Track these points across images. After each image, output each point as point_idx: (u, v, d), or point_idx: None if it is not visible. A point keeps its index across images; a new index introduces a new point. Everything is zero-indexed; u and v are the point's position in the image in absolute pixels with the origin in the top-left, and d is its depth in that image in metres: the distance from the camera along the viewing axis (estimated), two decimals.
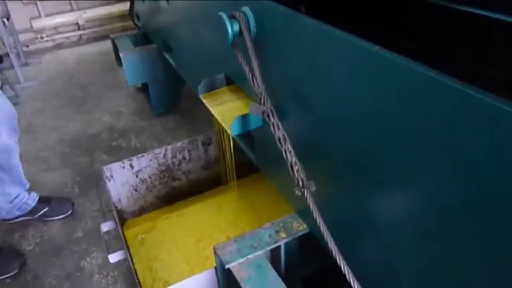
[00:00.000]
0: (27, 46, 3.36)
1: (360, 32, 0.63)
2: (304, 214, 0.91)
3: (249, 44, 0.82)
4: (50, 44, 3.48)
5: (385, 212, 0.65)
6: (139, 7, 2.24)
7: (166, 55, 1.86)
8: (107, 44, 2.41)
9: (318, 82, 0.73)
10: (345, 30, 0.63)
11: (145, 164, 1.42)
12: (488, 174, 0.44)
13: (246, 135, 1.06)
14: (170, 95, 2.23)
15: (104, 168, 1.36)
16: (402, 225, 0.62)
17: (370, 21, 1.10)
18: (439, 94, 0.47)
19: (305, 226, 0.90)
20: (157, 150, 1.45)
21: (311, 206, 0.73)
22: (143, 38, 2.29)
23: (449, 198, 0.50)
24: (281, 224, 0.91)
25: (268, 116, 0.78)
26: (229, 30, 0.84)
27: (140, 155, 1.40)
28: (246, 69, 0.84)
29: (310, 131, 0.80)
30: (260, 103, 0.80)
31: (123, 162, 1.38)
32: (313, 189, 0.73)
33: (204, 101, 1.10)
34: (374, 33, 0.68)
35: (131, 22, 2.42)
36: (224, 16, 0.84)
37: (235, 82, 1.10)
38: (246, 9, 0.86)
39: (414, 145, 0.54)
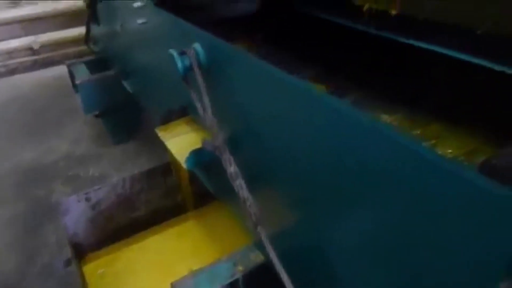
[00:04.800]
0: None
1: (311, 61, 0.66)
2: (259, 245, 0.92)
3: (200, 80, 0.84)
4: (2, 69, 3.36)
5: (334, 243, 0.67)
6: (95, 31, 2.22)
7: (124, 82, 1.85)
8: (63, 68, 2.37)
9: (261, 117, 0.75)
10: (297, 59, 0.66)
11: (103, 195, 1.39)
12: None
13: (203, 164, 1.07)
14: (130, 122, 2.20)
15: (59, 202, 1.32)
16: (352, 256, 0.64)
17: (321, 51, 1.14)
18: (352, 129, 0.50)
19: (262, 257, 0.91)
20: (114, 181, 1.42)
21: (263, 240, 0.74)
22: (100, 63, 2.26)
23: (392, 234, 0.53)
24: (238, 256, 0.91)
25: (220, 152, 0.79)
26: (180, 67, 0.85)
27: (97, 187, 1.37)
28: (198, 104, 0.86)
29: (261, 163, 0.82)
30: (212, 138, 0.81)
31: (79, 196, 1.34)
32: (266, 225, 0.74)
33: (159, 134, 1.10)
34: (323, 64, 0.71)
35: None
36: (175, 54, 0.85)
37: (191, 114, 1.10)
38: (197, 45, 0.87)
39: (349, 178, 0.56)
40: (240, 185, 0.76)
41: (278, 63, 1.34)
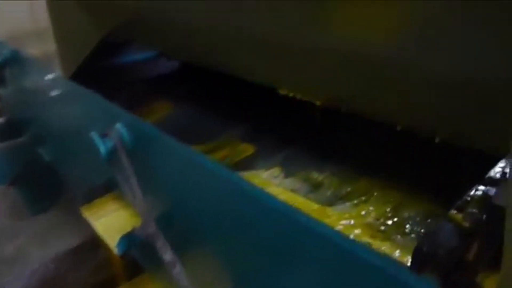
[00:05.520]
0: None
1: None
2: None
3: (125, 163, 0.79)
4: None
5: None
6: (3, 92, 2.05)
7: (40, 150, 1.72)
8: None
9: (183, 195, 0.74)
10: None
11: (22, 284, 1.25)
12: None
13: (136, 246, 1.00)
14: (50, 188, 2.03)
15: None
16: None
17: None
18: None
19: None
20: (36, 263, 1.29)
21: None
22: (10, 127, 2.07)
23: None
24: None
25: (153, 239, 0.75)
26: (103, 151, 0.80)
27: (14, 275, 1.23)
28: (126, 187, 0.81)
29: (195, 243, 0.79)
30: (144, 224, 0.77)
31: None
32: None
33: (85, 214, 1.03)
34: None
35: None
36: (96, 137, 0.81)
37: (117, 189, 1.05)
38: (120, 125, 0.83)
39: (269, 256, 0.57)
40: (178, 272, 0.72)
41: (206, 122, 1.34)
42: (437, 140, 0.50)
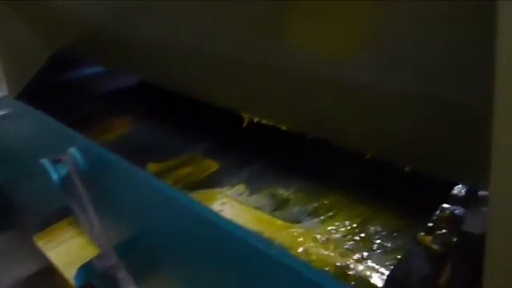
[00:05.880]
0: None
1: None
2: None
3: (80, 190, 0.74)
4: None
5: None
6: None
7: None
8: None
9: (142, 221, 0.71)
10: None
11: None
12: None
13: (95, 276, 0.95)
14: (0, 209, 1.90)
15: None
16: None
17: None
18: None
19: None
20: None
21: None
22: None
23: None
24: None
25: (114, 272, 0.70)
26: (56, 178, 0.75)
27: None
28: (82, 217, 0.76)
29: (160, 270, 0.75)
30: (103, 256, 0.72)
31: None
32: None
33: (38, 244, 0.96)
34: None
35: None
36: (47, 163, 0.75)
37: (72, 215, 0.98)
38: (73, 150, 0.78)
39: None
40: None
41: (168, 139, 1.29)
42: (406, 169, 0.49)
